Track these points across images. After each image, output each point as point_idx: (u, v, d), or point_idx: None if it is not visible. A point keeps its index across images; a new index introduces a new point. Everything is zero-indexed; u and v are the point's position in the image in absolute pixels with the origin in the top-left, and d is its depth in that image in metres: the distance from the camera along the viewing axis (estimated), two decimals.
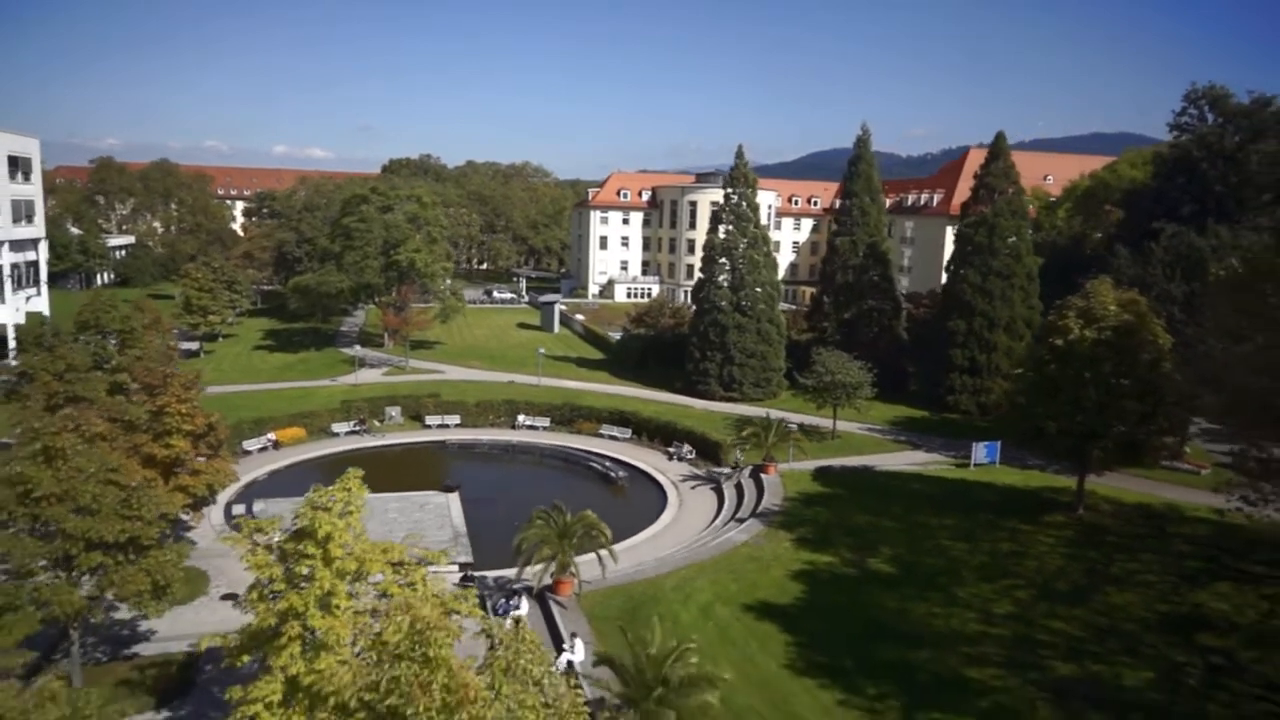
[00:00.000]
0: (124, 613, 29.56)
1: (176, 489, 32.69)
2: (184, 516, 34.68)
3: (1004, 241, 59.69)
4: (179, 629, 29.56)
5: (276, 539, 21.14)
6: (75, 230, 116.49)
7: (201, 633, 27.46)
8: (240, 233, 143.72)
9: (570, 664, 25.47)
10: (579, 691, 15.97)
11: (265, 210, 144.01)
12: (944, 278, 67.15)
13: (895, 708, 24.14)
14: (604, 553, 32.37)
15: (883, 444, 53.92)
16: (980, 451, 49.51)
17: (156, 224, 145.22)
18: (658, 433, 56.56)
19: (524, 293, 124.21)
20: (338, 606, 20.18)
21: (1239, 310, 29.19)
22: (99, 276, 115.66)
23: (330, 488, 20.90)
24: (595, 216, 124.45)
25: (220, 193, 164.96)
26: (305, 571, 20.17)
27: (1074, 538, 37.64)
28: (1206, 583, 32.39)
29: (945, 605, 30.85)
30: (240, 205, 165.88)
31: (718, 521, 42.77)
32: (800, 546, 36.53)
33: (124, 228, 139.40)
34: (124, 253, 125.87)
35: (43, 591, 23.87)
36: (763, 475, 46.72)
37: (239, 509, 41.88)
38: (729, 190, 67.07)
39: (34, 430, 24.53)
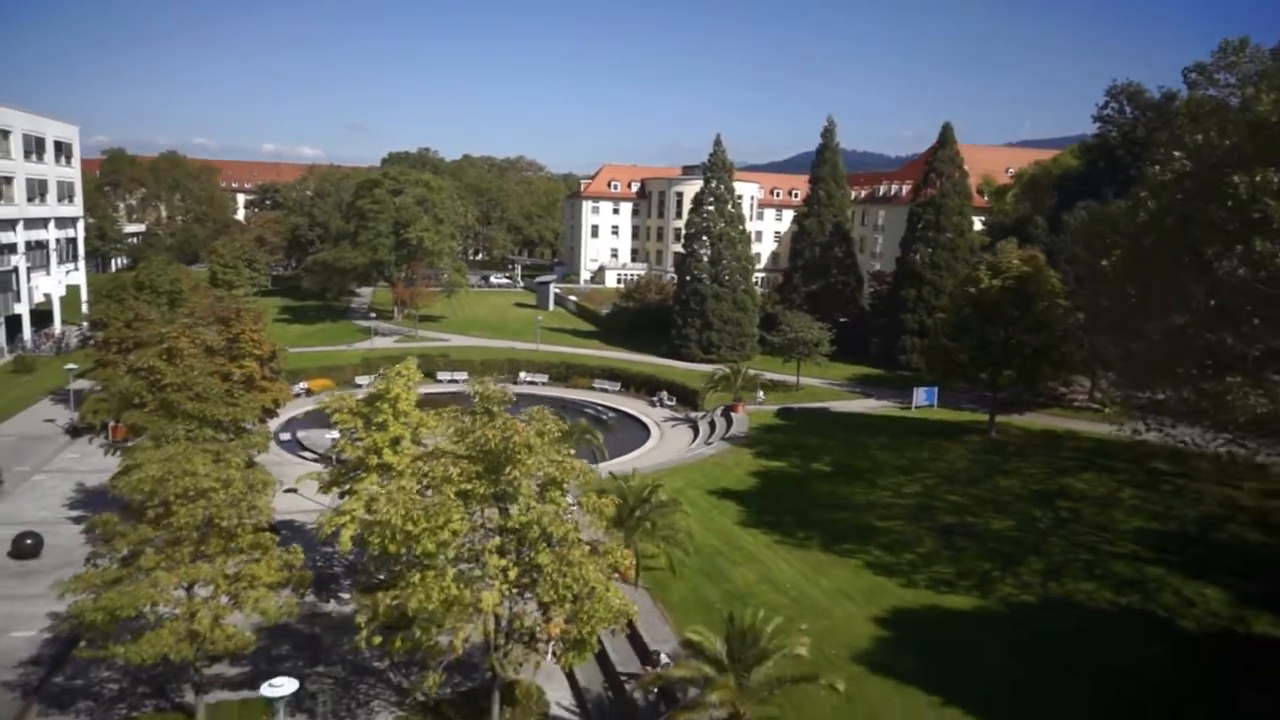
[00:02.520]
0: None
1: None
2: (251, 427, 42.09)
3: (949, 219, 67.77)
4: None
5: (356, 402, 28.90)
6: (89, 218, 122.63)
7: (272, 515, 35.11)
8: (244, 222, 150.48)
9: None
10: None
11: (269, 201, 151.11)
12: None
13: (818, 543, 31.97)
14: (602, 465, 40.05)
15: (840, 394, 61.88)
16: (920, 395, 57.41)
17: (164, 213, 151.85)
18: (643, 385, 64.38)
19: (519, 278, 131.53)
20: (403, 450, 28.05)
21: (1086, 248, 37.05)
22: (114, 261, 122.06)
23: (395, 368, 28.99)
24: (587, 206, 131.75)
25: (222, 185, 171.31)
26: (381, 421, 27.96)
27: (981, 449, 45.73)
28: (1075, 473, 40.48)
29: (867, 488, 38.82)
30: (241, 197, 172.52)
31: (692, 447, 50.54)
32: (758, 457, 44.35)
33: (133, 217, 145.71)
34: (136, 240, 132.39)
35: None
36: (732, 413, 54.50)
37: (285, 436, 49.96)
38: (708, 175, 74.89)
39: (160, 334, 32.03)
